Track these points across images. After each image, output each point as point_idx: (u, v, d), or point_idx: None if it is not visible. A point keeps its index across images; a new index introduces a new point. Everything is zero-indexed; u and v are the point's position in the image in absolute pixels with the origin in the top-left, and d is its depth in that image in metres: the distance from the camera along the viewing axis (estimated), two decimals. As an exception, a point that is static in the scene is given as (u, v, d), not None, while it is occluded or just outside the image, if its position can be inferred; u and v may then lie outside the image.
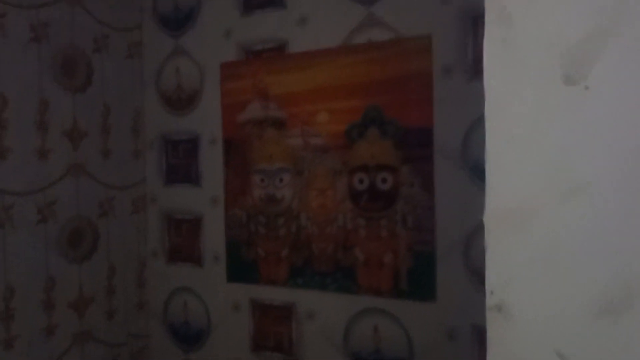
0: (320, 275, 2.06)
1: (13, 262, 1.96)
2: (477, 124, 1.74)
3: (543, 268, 0.59)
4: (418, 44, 1.85)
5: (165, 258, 2.45)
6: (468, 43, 1.77)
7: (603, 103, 0.55)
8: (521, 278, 0.60)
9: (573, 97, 0.56)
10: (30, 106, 2.03)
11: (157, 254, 2.47)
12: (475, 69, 1.75)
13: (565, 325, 0.58)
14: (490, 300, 0.62)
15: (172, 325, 2.44)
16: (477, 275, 1.76)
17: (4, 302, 1.94)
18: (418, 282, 1.87)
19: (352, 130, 1.97)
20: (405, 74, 1.87)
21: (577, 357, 0.57)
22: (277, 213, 2.14)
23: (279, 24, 2.11)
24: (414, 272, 1.88)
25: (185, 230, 2.39)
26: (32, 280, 2.04)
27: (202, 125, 2.32)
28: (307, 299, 2.10)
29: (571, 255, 0.57)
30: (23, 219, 2.00)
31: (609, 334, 0.55)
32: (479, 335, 1.78)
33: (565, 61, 0.56)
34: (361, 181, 1.96)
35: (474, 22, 1.76)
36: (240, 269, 2.24)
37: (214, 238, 2.31)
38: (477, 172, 1.75)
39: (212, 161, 2.30)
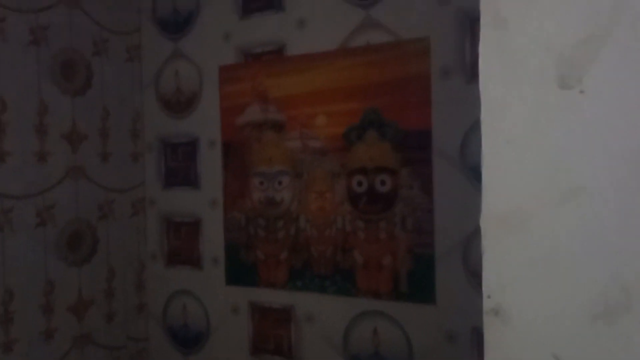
0: (319, 278, 2.05)
1: (12, 265, 1.96)
2: (475, 126, 1.74)
3: (540, 271, 0.59)
4: (416, 47, 1.85)
5: (164, 261, 2.45)
6: (466, 45, 1.78)
7: (598, 106, 0.55)
8: (518, 281, 0.60)
9: (568, 100, 0.56)
10: (30, 109, 2.03)
11: (156, 257, 2.47)
12: (474, 71, 1.75)
13: (562, 328, 0.58)
14: (487, 304, 0.62)
15: (172, 328, 2.44)
16: (477, 278, 1.76)
17: (3, 305, 1.94)
18: (417, 284, 1.87)
19: (350, 133, 1.97)
20: (403, 76, 1.87)
21: (574, 360, 0.57)
22: (276, 216, 2.14)
23: (278, 26, 2.12)
24: (413, 275, 1.88)
25: (184, 233, 2.39)
26: (31, 283, 2.03)
27: (201, 128, 2.32)
28: (306, 301, 2.09)
29: (568, 258, 0.57)
30: (22, 222, 2.00)
31: (607, 337, 0.55)
32: (479, 338, 1.77)
33: (560, 65, 0.56)
34: (360, 184, 1.96)
35: (472, 25, 1.76)
36: (240, 271, 2.24)
37: (213, 241, 2.31)
38: (476, 174, 1.75)
39: (211, 164, 2.30)
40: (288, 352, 2.14)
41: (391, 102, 1.89)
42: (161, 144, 2.44)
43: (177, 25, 2.37)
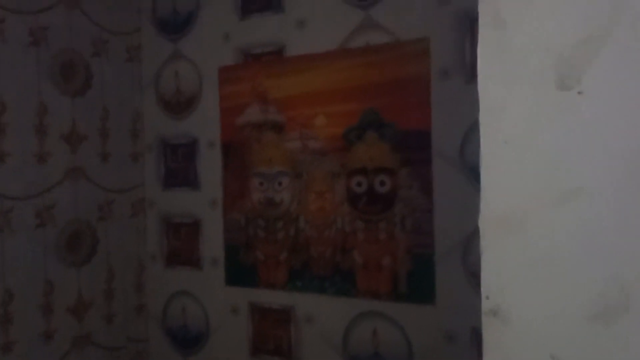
0: (319, 279, 2.05)
1: (12, 266, 1.96)
2: (475, 127, 1.73)
3: (539, 272, 0.59)
4: (416, 47, 1.85)
5: (164, 262, 2.45)
6: (465, 46, 1.78)
7: (597, 107, 0.55)
8: (517, 282, 0.60)
9: (567, 101, 0.56)
10: (29, 110, 2.03)
11: (155, 258, 2.47)
12: (473, 72, 1.75)
13: (561, 329, 0.58)
14: (486, 305, 0.62)
15: (171, 329, 2.44)
16: (476, 278, 1.75)
17: (3, 306, 1.94)
18: (417, 284, 1.87)
19: (350, 133, 1.97)
20: (403, 77, 1.87)
21: (572, 361, 0.57)
22: (275, 216, 2.14)
23: (277, 27, 2.12)
24: (413, 275, 1.88)
25: (184, 233, 2.39)
26: (31, 284, 2.03)
27: (200, 128, 2.32)
28: (306, 302, 2.09)
29: (567, 259, 0.57)
30: (22, 223, 2.00)
31: (605, 337, 0.55)
32: (478, 338, 1.77)
33: (559, 66, 0.56)
34: (359, 184, 1.96)
35: (472, 25, 1.76)
36: (239, 272, 2.24)
37: (212, 241, 2.31)
38: (476, 175, 1.75)
39: (210, 165, 2.30)
40: (288, 352, 2.14)
41: (391, 103, 1.89)
42: (161, 144, 2.44)
43: (176, 25, 2.37)
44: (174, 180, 2.41)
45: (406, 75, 1.87)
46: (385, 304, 1.93)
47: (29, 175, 2.02)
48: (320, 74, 2.02)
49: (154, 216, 2.47)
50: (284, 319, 2.15)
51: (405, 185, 1.88)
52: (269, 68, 2.14)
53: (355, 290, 1.98)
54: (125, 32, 2.40)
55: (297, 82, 2.07)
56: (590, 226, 0.56)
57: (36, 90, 2.05)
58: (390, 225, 1.91)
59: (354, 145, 1.96)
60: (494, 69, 0.60)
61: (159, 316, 2.47)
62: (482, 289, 0.62)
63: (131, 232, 2.42)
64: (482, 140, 0.61)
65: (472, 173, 1.76)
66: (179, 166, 2.39)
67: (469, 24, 1.77)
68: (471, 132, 1.76)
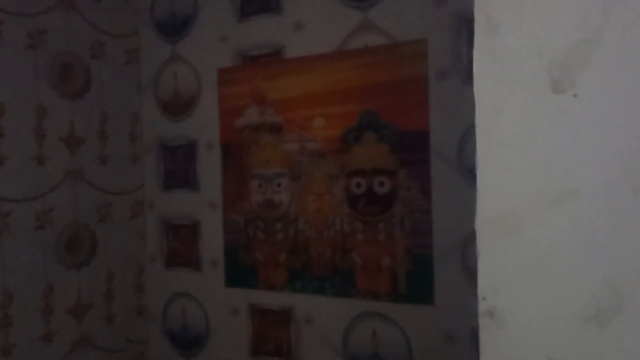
0: (318, 280, 2.06)
1: (11, 268, 1.97)
2: (473, 128, 1.74)
3: (534, 274, 0.59)
4: (413, 49, 1.85)
5: (163, 263, 2.46)
6: (463, 47, 1.78)
7: (591, 110, 0.55)
8: (513, 284, 0.61)
9: (561, 104, 0.56)
10: (28, 113, 2.04)
11: (155, 259, 2.47)
12: (471, 73, 1.74)
13: (556, 330, 0.58)
14: (482, 306, 0.62)
15: (171, 331, 2.45)
16: (475, 278, 1.76)
17: (2, 309, 1.95)
18: (416, 285, 1.88)
19: (348, 135, 1.97)
20: (401, 78, 1.88)
21: (568, 362, 0.57)
22: (275, 218, 2.14)
23: (275, 29, 2.12)
24: (412, 276, 1.88)
25: (183, 235, 2.40)
26: (31, 286, 2.04)
27: (199, 130, 2.32)
28: (305, 303, 2.10)
29: (561, 261, 0.58)
30: (21, 226, 2.00)
31: (599, 338, 0.56)
32: (478, 339, 1.78)
33: (553, 69, 0.56)
34: (358, 185, 1.97)
35: (469, 27, 1.77)
36: (239, 273, 2.24)
37: (212, 243, 2.31)
38: (474, 175, 1.75)
39: (209, 166, 2.30)
40: (288, 353, 2.14)
41: (389, 104, 1.90)
42: (160, 146, 2.44)
43: (175, 28, 2.37)
44: (173, 181, 2.42)
45: (404, 77, 1.87)
46: (384, 304, 1.93)
47: (28, 177, 2.03)
48: (319, 76, 2.02)
49: (154, 218, 2.47)
50: (283, 320, 2.15)
51: (404, 186, 1.89)
52: (268, 70, 2.14)
53: (354, 290, 1.99)
54: (123, 34, 2.40)
55: (296, 83, 2.07)
56: (584, 228, 0.56)
57: (35, 93, 2.06)
58: (390, 226, 1.91)
59: (353, 147, 1.97)
60: (490, 72, 0.60)
61: (159, 318, 2.47)
62: (479, 291, 0.62)
63: (131, 234, 2.43)
64: (477, 142, 0.62)
65: (470, 174, 1.77)
66: (178, 168, 2.40)
67: (466, 26, 1.77)
68: (469, 133, 1.76)
